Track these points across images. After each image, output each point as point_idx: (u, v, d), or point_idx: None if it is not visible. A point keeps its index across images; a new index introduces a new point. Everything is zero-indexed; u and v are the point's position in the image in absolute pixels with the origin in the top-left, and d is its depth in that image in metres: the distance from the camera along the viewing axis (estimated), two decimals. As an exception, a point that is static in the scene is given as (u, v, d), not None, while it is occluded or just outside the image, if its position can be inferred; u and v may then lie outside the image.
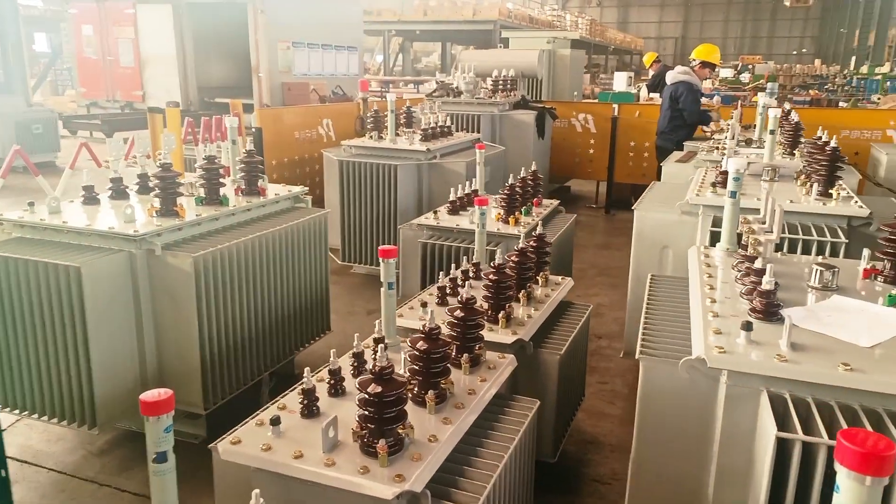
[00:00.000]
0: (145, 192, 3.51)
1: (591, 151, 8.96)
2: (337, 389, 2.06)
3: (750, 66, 28.08)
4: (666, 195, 3.86)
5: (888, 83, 19.31)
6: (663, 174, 5.33)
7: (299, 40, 10.64)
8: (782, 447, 1.56)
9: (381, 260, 2.32)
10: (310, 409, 1.94)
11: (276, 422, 1.84)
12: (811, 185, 3.38)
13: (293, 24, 10.44)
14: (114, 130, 9.80)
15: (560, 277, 3.27)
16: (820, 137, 3.70)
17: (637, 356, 1.94)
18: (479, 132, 6.99)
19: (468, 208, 4.29)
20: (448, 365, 2.03)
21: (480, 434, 2.02)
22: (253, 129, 6.48)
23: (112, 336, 2.87)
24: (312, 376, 1.98)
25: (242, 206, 3.51)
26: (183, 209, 3.16)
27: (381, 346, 1.79)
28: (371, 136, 5.71)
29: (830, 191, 3.31)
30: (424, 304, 2.80)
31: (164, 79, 10.43)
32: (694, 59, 7.35)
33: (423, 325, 2.01)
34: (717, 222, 3.21)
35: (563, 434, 2.93)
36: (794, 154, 4.91)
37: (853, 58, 33.13)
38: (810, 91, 21.71)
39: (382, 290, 2.37)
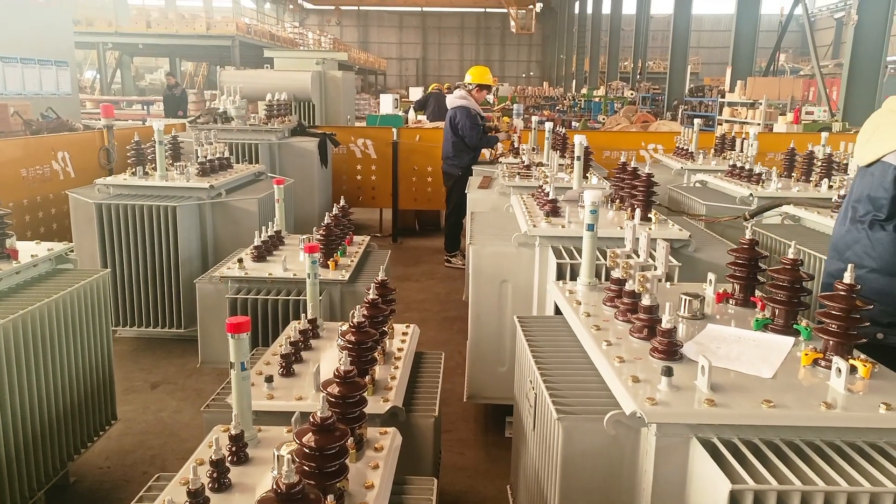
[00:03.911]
0: None
1: (374, 178, 8.98)
2: (201, 515, 1.69)
3: (495, 88, 30.86)
4: (494, 226, 3.93)
5: (619, 105, 22.42)
6: (469, 201, 5.48)
7: (-11, 53, 9.23)
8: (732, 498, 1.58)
9: (230, 336, 1.97)
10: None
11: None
12: (631, 210, 3.67)
13: (-20, 34, 9.04)
14: None
15: (405, 326, 3.14)
16: (626, 164, 4.05)
17: (556, 417, 1.87)
18: (258, 162, 6.59)
19: (274, 252, 3.97)
20: (346, 461, 1.77)
21: (391, 537, 1.79)
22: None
23: None
24: (172, 506, 1.59)
25: (-11, 275, 2.81)
26: None
27: (284, 454, 1.49)
28: (134, 173, 5.04)
29: (649, 215, 3.63)
30: (270, 379, 2.46)
31: None
32: (470, 83, 7.70)
33: (314, 415, 1.73)
34: (557, 253, 3.33)
35: (436, 503, 2.78)
36: (587, 177, 5.37)
37: (574, 81, 38.18)
38: (544, 111, 24.44)
39: (233, 372, 2.02)
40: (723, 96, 20.25)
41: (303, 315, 2.89)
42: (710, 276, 2.68)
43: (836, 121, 13.26)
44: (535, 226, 3.53)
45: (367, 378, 2.41)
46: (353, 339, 2.40)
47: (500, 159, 7.14)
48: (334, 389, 1.99)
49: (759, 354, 2.04)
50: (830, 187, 4.80)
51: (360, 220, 9.72)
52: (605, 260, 2.92)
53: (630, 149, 8.95)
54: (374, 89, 34.03)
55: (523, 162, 5.99)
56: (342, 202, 4.17)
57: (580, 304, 2.54)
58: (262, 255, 3.82)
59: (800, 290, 2.24)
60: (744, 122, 16.88)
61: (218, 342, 3.70)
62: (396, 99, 13.60)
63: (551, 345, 2.39)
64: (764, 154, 7.39)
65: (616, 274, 2.54)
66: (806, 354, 2.00)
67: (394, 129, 8.83)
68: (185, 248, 4.75)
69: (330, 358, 2.66)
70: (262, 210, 5.01)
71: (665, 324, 2.01)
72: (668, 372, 1.83)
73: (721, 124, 16.72)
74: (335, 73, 10.56)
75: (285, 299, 3.46)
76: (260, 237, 3.87)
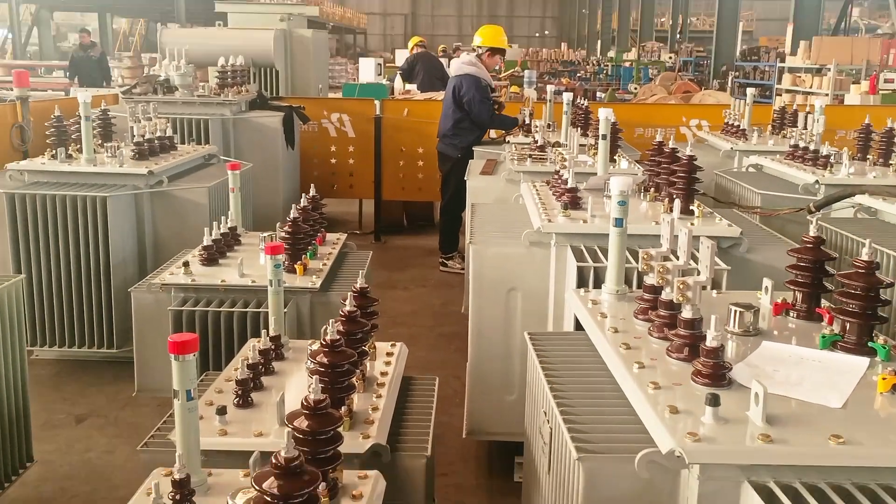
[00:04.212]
0: None
1: (352, 162, 9.00)
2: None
3: (504, 51, 31.03)
4: (500, 222, 3.96)
5: (655, 71, 22.50)
6: (469, 190, 5.51)
7: None
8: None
9: (172, 357, 1.97)
10: None
11: None
12: (669, 201, 3.68)
13: None
14: None
15: (390, 344, 3.16)
16: (662, 144, 4.07)
17: (576, 457, 1.88)
18: (209, 142, 6.61)
19: (228, 254, 3.99)
20: (316, 510, 1.78)
21: None
22: None
23: None
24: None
25: None
26: None
27: (239, 506, 1.49)
28: (55, 155, 5.05)
29: (691, 207, 3.64)
30: (223, 411, 2.47)
31: None
32: (480, 46, 7.65)
33: (277, 455, 1.74)
34: (577, 254, 3.35)
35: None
36: (614, 161, 5.39)
37: (598, 42, 38.21)
38: (562, 79, 24.53)
39: (177, 402, 2.02)
40: (782, 60, 20.33)
41: (263, 331, 2.91)
42: (767, 282, 2.70)
43: (922, 90, 13.33)
44: (550, 221, 3.55)
45: (344, 409, 2.43)
46: (325, 360, 2.41)
47: (507, 139, 7.16)
48: (302, 423, 2.00)
49: (826, 379, 2.06)
50: (915, 173, 4.83)
51: (335, 214, 9.74)
52: (637, 263, 2.93)
53: (668, 125, 9.03)
54: (353, 52, 34.09)
55: (536, 142, 6.01)
56: (312, 192, 4.19)
57: (606, 317, 2.56)
58: (213, 257, 3.83)
59: (876, 299, 2.25)
60: (808, 93, 16.96)
61: (158, 365, 3.71)
62: (379, 64, 13.63)
63: (570, 368, 2.41)
64: (833, 132, 7.43)
65: (650, 280, 2.55)
66: (884, 379, 2.01)
67: (376, 102, 8.85)
68: (118, 249, 4.79)
69: (297, 384, 2.68)
70: (213, 202, 5.05)
71: (710, 341, 2.02)
72: (714, 401, 1.84)
73: (780, 95, 16.79)
74: (304, 33, 10.59)
75: (242, 311, 3.48)
76: (211, 235, 3.89)
